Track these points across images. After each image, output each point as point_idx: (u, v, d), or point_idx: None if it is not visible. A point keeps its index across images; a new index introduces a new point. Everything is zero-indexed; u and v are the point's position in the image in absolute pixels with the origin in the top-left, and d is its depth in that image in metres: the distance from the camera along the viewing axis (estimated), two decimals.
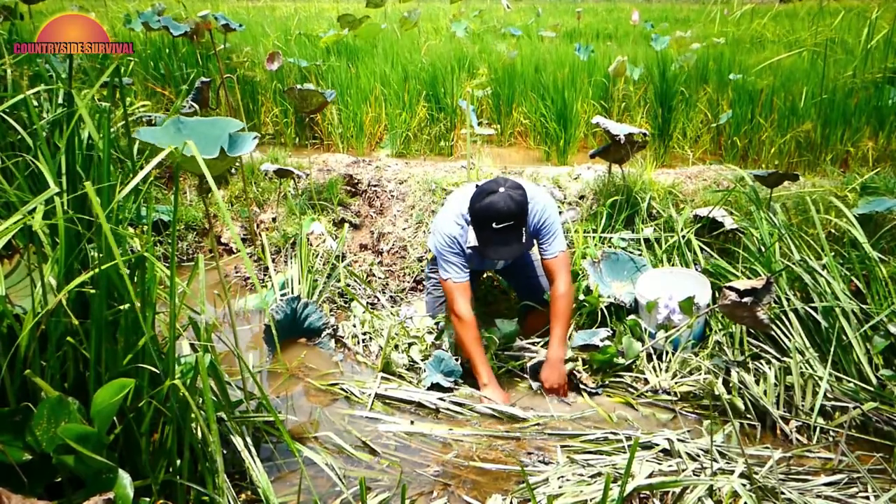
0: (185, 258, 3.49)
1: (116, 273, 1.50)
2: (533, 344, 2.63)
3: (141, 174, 1.38)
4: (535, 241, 2.47)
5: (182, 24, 5.31)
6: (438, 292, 2.81)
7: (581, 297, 2.74)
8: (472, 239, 2.35)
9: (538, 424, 2.18)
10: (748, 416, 2.21)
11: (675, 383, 2.35)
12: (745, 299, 2.18)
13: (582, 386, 2.37)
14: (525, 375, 2.50)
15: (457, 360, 2.42)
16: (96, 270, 1.40)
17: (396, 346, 2.57)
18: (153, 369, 1.52)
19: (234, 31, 5.58)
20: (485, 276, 3.08)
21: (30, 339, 1.36)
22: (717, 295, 2.69)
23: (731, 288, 2.23)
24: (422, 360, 2.49)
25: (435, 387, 2.35)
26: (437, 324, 2.68)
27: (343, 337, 2.75)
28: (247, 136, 2.67)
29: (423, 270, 3.13)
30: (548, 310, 2.48)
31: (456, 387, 2.37)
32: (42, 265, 1.45)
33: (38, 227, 1.35)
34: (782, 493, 1.74)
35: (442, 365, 2.39)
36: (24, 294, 1.50)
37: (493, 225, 2.16)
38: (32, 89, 1.88)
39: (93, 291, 1.45)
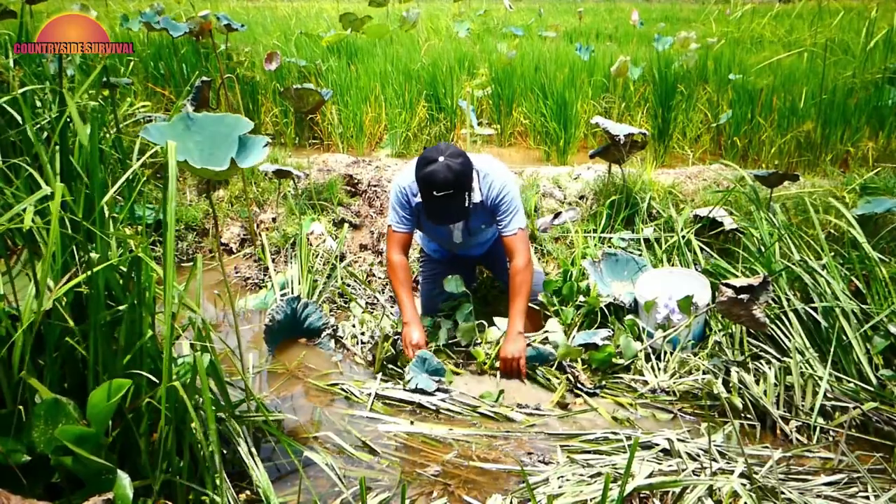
0: (184, 258, 3.49)
1: (114, 274, 1.50)
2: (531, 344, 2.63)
3: (127, 174, 1.38)
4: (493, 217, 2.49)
5: (183, 24, 5.31)
6: (428, 287, 2.84)
7: (581, 297, 2.74)
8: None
9: (535, 425, 2.18)
10: (748, 416, 2.21)
11: (675, 383, 2.35)
12: (742, 296, 2.17)
13: (579, 386, 2.37)
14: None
15: (439, 361, 2.41)
16: (90, 272, 1.40)
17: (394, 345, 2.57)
18: (151, 374, 1.52)
19: (235, 31, 5.58)
20: (477, 270, 3.08)
21: (25, 341, 1.36)
22: (716, 295, 2.69)
23: (727, 285, 2.22)
24: (402, 366, 2.46)
25: (419, 391, 2.29)
26: (433, 324, 2.68)
27: (343, 337, 2.75)
28: (258, 141, 2.64)
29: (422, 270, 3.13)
30: (537, 304, 2.53)
31: (441, 386, 2.34)
32: (36, 266, 1.44)
33: (28, 225, 1.35)
34: (782, 493, 1.74)
35: (426, 364, 2.37)
36: (21, 295, 1.49)
37: (434, 193, 2.21)
38: (22, 88, 1.88)
39: (89, 292, 1.45)
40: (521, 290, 2.40)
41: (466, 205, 2.29)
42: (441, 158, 2.20)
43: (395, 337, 2.54)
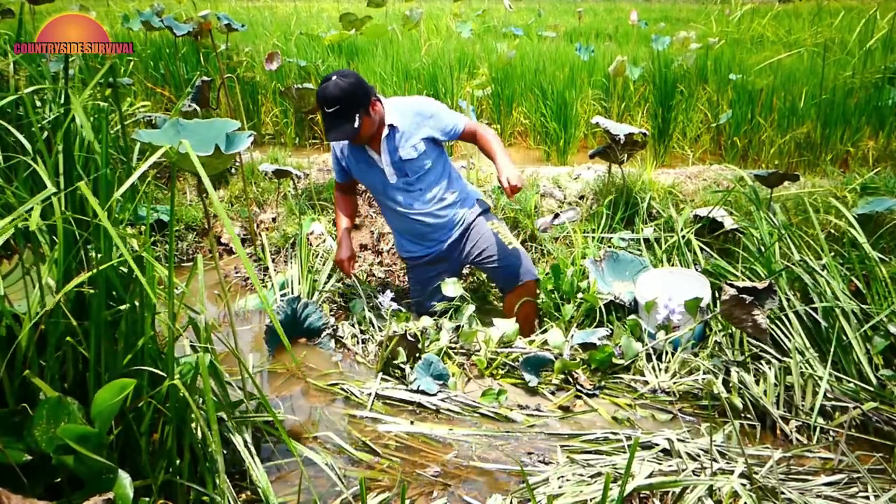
0: (185, 258, 3.49)
1: (115, 273, 1.50)
2: (530, 342, 2.63)
3: (136, 174, 1.39)
4: (440, 140, 2.64)
5: (184, 24, 5.31)
6: (417, 292, 2.87)
7: (580, 295, 2.74)
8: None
9: (535, 425, 2.18)
10: (748, 416, 2.21)
11: (675, 383, 2.35)
12: (745, 296, 2.17)
13: (579, 387, 2.37)
14: (517, 366, 2.48)
15: (445, 366, 2.41)
16: (94, 271, 1.40)
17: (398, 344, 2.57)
18: (153, 370, 1.52)
19: (236, 31, 5.58)
20: (466, 269, 3.08)
21: (28, 340, 1.36)
22: (716, 295, 2.69)
23: (731, 285, 2.23)
24: (405, 364, 2.47)
25: (420, 391, 2.32)
26: (435, 325, 2.68)
27: (343, 337, 2.75)
28: (241, 133, 2.66)
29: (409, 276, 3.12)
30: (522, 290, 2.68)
31: (443, 389, 2.35)
32: (40, 266, 1.45)
33: (34, 226, 1.35)
34: (782, 493, 1.74)
35: (431, 368, 2.38)
36: (23, 295, 1.49)
37: (325, 108, 2.35)
38: (29, 88, 1.88)
39: (91, 292, 1.45)
40: (493, 139, 2.58)
41: (356, 125, 2.38)
42: (334, 77, 2.36)
43: (399, 334, 2.54)
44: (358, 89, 2.37)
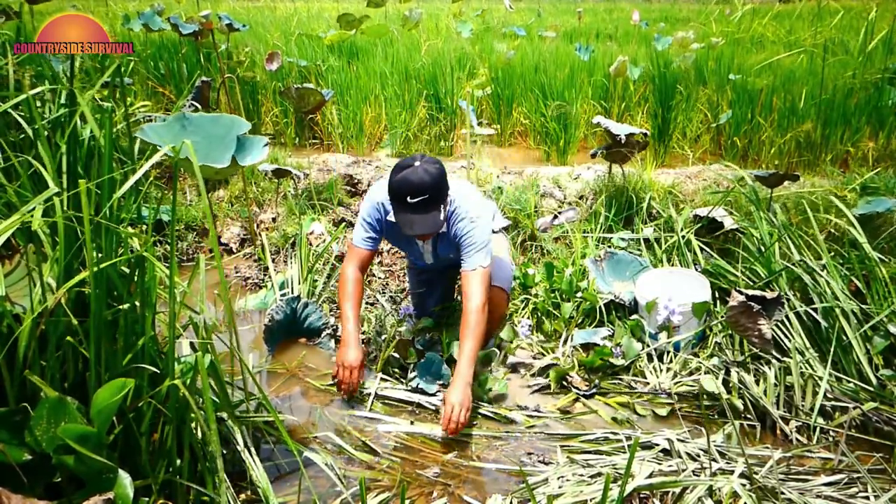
0: (185, 258, 3.49)
1: (116, 272, 1.50)
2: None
3: (140, 172, 1.39)
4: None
5: (187, 23, 5.31)
6: (417, 297, 2.83)
7: (579, 293, 2.74)
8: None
9: (535, 425, 2.18)
10: (748, 416, 2.21)
11: (675, 384, 2.35)
12: (752, 304, 2.17)
13: (574, 389, 2.37)
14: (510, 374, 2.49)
15: (447, 367, 2.41)
16: (94, 269, 1.40)
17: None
18: (153, 369, 1.52)
19: (237, 31, 5.58)
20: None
21: (29, 339, 1.36)
22: (716, 295, 2.69)
23: (740, 291, 2.23)
24: (407, 362, 2.47)
25: (419, 390, 2.32)
26: (432, 324, 2.68)
27: None
28: (257, 141, 2.64)
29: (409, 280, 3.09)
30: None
31: (443, 389, 2.35)
32: (41, 265, 1.44)
33: (36, 226, 1.35)
34: (782, 493, 1.74)
35: (432, 368, 2.38)
36: (24, 294, 1.49)
37: (408, 199, 2.08)
38: (35, 89, 1.88)
39: (94, 291, 1.45)
40: (475, 333, 2.14)
41: (441, 217, 2.17)
42: (417, 164, 2.11)
43: (399, 333, 2.54)
44: (443, 176, 2.14)
